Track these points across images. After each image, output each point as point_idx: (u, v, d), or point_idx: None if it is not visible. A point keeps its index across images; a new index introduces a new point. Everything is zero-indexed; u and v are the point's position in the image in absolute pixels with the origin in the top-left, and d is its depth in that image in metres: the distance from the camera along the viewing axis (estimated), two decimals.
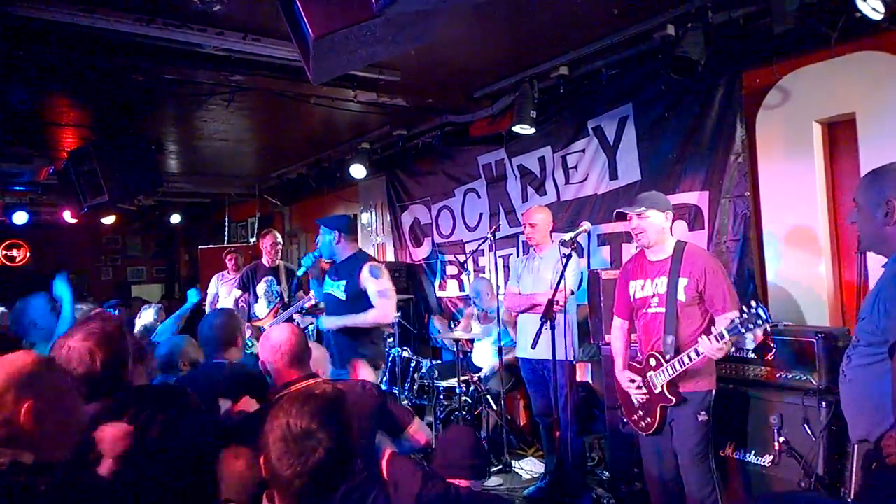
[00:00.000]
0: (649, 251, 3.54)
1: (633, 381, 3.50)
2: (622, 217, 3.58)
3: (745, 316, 3.00)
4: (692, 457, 3.36)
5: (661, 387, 3.36)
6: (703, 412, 3.33)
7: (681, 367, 3.25)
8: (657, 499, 3.61)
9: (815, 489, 3.25)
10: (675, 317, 3.35)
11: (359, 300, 4.34)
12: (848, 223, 2.52)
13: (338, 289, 4.45)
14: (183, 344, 3.68)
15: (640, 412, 3.54)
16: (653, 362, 3.41)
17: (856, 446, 3.14)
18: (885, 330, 2.18)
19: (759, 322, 2.97)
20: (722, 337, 3.08)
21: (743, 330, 3.02)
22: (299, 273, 5.02)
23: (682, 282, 3.36)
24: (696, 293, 3.34)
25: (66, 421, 1.64)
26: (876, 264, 3.66)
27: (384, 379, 5.91)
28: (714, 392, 3.40)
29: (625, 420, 3.73)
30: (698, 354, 3.17)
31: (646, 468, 3.67)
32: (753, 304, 3.00)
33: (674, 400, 3.34)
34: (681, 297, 3.36)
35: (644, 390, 3.46)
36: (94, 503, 1.63)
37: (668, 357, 3.32)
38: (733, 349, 3.76)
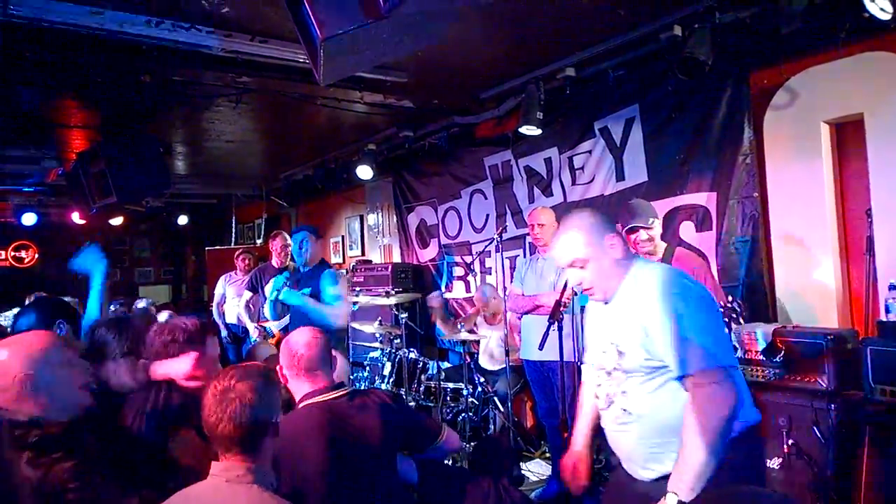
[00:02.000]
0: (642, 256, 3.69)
1: None
2: (632, 231, 3.72)
3: (723, 310, 3.14)
4: None
5: None
6: None
7: None
8: None
9: (826, 492, 3.24)
10: None
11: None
12: (576, 289, 2.34)
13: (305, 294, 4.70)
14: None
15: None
16: None
17: (867, 448, 3.14)
18: (668, 357, 2.06)
19: (734, 316, 3.14)
20: None
21: None
22: (271, 298, 5.01)
23: None
24: None
25: (63, 390, 2.04)
26: (885, 266, 3.67)
27: (391, 380, 5.91)
28: None
29: None
30: None
31: None
32: (730, 299, 3.20)
33: None
34: None
35: None
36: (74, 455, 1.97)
37: None
38: (743, 353, 3.78)
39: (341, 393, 2.62)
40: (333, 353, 2.81)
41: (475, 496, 2.75)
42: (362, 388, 6.12)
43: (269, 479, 1.90)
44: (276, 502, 1.83)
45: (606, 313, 2.30)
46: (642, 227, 3.63)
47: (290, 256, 6.64)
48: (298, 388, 2.63)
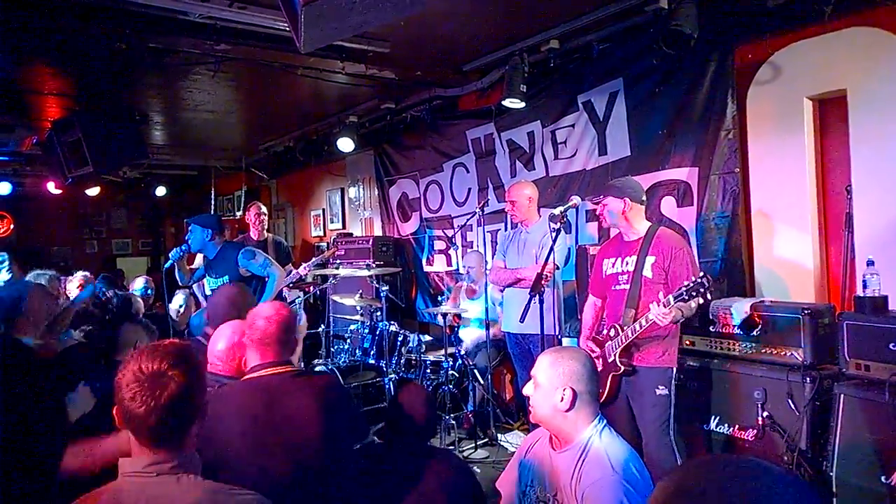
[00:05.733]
0: (623, 233, 3.70)
1: (592, 351, 3.63)
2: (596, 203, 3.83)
3: (690, 285, 3.14)
4: (653, 430, 3.45)
5: (615, 355, 3.50)
6: (661, 386, 3.44)
7: (633, 334, 3.40)
8: None
9: (798, 463, 3.30)
10: (638, 291, 3.50)
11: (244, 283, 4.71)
12: (525, 394, 2.46)
13: (224, 282, 4.75)
14: None
15: None
16: (612, 333, 3.55)
17: (840, 421, 3.20)
18: None
19: (702, 290, 3.12)
20: (668, 303, 3.20)
21: (687, 297, 3.15)
22: (166, 266, 5.03)
23: (650, 259, 3.51)
24: (663, 270, 3.48)
25: None
26: (863, 242, 3.70)
27: (372, 352, 5.91)
28: (675, 370, 3.51)
29: None
30: (648, 321, 3.30)
31: None
32: (701, 274, 3.18)
33: (622, 368, 3.49)
34: (647, 273, 3.51)
35: (599, 358, 3.59)
36: None
37: (625, 327, 3.46)
38: (721, 327, 3.82)
39: (285, 370, 2.50)
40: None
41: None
42: (332, 363, 6.13)
43: (196, 464, 1.70)
44: (216, 487, 1.67)
45: (551, 462, 2.37)
46: (590, 201, 3.77)
47: (266, 226, 6.63)
48: (251, 358, 2.56)
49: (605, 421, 2.36)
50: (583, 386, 2.30)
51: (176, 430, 1.63)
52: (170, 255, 5.04)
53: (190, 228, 4.96)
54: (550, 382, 2.30)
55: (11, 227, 12.59)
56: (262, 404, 2.37)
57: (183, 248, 4.95)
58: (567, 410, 2.27)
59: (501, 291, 4.91)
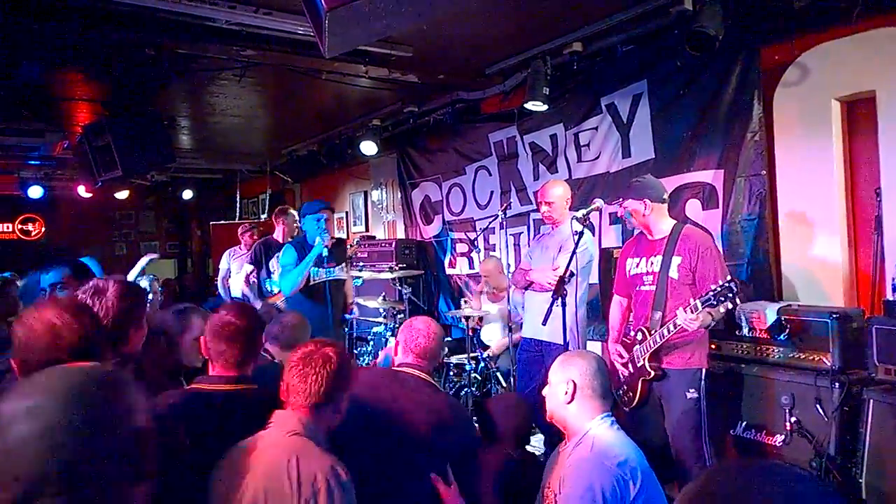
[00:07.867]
0: (647, 232, 3.64)
1: (621, 355, 3.60)
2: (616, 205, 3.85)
3: (718, 289, 3.08)
4: (682, 434, 3.40)
5: (643, 360, 3.45)
6: (692, 390, 3.38)
7: (661, 339, 3.35)
8: None
9: (827, 470, 3.25)
10: (664, 293, 3.44)
11: None
12: (543, 394, 2.65)
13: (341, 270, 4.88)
14: None
15: (625, 386, 3.63)
16: (640, 337, 3.50)
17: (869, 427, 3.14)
18: None
19: (730, 295, 3.05)
20: (696, 308, 3.14)
21: (715, 302, 3.09)
22: (320, 251, 4.70)
23: (676, 260, 3.44)
24: (690, 271, 3.41)
25: None
26: (893, 245, 3.64)
27: None
28: (705, 371, 3.44)
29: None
30: (676, 326, 3.25)
31: None
32: (728, 278, 3.12)
33: (652, 373, 3.43)
34: (673, 274, 3.44)
35: (628, 363, 3.56)
36: None
37: (653, 332, 3.40)
38: (748, 331, 3.77)
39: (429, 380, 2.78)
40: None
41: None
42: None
43: (319, 438, 2.04)
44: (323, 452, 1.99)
45: (557, 457, 2.53)
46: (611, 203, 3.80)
47: (295, 233, 6.64)
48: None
49: (611, 418, 2.46)
50: (585, 381, 2.45)
51: (323, 395, 2.06)
52: (320, 241, 4.63)
53: (320, 217, 4.77)
54: (558, 378, 2.52)
55: (42, 229, 12.87)
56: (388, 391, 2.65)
57: (325, 236, 4.67)
58: (568, 403, 2.45)
59: (522, 294, 4.87)
